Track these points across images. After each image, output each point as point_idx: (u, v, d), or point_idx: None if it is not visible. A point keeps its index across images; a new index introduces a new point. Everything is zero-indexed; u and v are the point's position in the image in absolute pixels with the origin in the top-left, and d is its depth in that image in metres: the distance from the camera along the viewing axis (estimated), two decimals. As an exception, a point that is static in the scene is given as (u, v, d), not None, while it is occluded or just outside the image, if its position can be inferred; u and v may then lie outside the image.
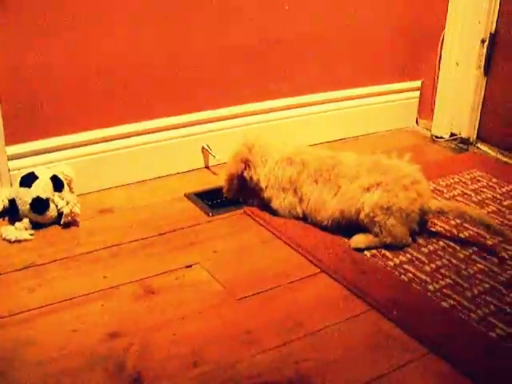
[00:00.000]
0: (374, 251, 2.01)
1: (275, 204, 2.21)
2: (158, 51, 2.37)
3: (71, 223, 2.14)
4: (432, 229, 2.16)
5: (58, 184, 2.14)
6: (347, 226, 2.10)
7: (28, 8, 2.07)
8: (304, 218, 2.19)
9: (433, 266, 1.96)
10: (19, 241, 2.04)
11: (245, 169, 2.23)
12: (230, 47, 2.53)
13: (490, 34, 2.79)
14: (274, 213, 2.22)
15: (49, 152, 2.26)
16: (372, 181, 2.05)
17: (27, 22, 2.08)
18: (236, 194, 2.31)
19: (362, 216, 2.04)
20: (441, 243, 2.08)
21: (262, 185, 2.22)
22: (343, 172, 2.11)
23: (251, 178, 2.23)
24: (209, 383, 1.48)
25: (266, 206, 2.25)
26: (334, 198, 2.10)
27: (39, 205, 2.09)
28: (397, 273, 1.91)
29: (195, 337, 1.63)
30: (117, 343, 1.60)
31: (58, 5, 2.12)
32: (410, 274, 1.90)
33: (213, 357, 1.56)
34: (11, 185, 2.17)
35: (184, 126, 2.53)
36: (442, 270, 1.93)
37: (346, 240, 2.07)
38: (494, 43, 2.80)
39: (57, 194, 2.13)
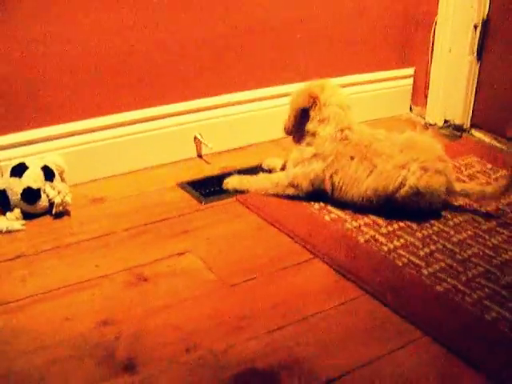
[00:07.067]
0: (368, 237, 2.00)
1: (296, 170, 2.23)
2: (147, 39, 2.35)
3: (63, 213, 2.12)
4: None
5: (48, 174, 2.13)
6: (376, 207, 2.14)
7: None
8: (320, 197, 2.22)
9: (427, 250, 1.94)
10: (10, 231, 2.02)
11: (312, 105, 2.21)
12: (222, 34, 2.51)
13: (483, 19, 2.78)
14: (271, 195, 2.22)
15: (39, 142, 2.24)
16: (408, 158, 2.09)
17: (12, 11, 2.07)
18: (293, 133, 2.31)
19: (402, 192, 2.09)
20: (435, 228, 2.07)
21: (317, 130, 2.21)
22: (378, 151, 2.13)
23: (313, 117, 2.21)
24: (201, 369, 1.47)
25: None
26: (368, 177, 2.12)
27: (30, 195, 2.08)
28: (391, 257, 1.90)
29: (187, 323, 1.62)
30: (108, 331, 1.59)
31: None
32: (405, 259, 1.89)
33: (205, 343, 1.55)
34: (2, 175, 2.15)
35: (176, 114, 2.51)
36: (437, 254, 1.92)
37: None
38: (486, 28, 2.79)
39: (48, 183, 2.11)
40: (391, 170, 2.09)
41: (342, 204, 2.18)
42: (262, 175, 2.33)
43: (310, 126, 2.21)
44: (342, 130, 2.17)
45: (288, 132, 2.30)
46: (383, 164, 2.10)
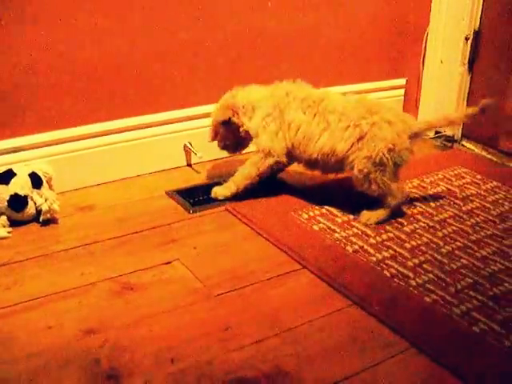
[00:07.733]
0: (357, 247, 1.99)
1: (261, 138, 2.22)
2: (138, 48, 2.34)
3: (50, 221, 2.11)
4: (415, 224, 2.14)
5: (36, 181, 2.11)
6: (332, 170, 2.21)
7: None
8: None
9: (416, 261, 1.93)
10: (-4, 238, 2.01)
11: (233, 115, 2.26)
12: (214, 43, 2.51)
13: (474, 30, 2.78)
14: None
15: (27, 149, 2.22)
16: (359, 130, 2.08)
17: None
18: (228, 146, 2.39)
19: (355, 172, 2.09)
20: (424, 239, 2.06)
21: (253, 131, 2.25)
22: (330, 107, 2.14)
23: (242, 123, 2.26)
24: (185, 380, 1.45)
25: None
26: (323, 133, 2.12)
27: (17, 202, 2.06)
28: (379, 268, 1.88)
29: (172, 333, 1.60)
30: (92, 340, 1.57)
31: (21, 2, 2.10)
32: (393, 270, 1.88)
33: (190, 353, 1.53)
34: (-12, 182, 2.13)
35: (166, 123, 2.50)
36: (425, 266, 1.91)
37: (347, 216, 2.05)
38: (477, 40, 2.79)
39: (35, 191, 2.10)
40: (345, 133, 2.09)
41: (331, 214, 2.18)
42: (238, 170, 2.31)
43: (242, 130, 2.27)
44: (276, 106, 2.21)
45: (223, 147, 2.40)
46: (336, 122, 2.10)
